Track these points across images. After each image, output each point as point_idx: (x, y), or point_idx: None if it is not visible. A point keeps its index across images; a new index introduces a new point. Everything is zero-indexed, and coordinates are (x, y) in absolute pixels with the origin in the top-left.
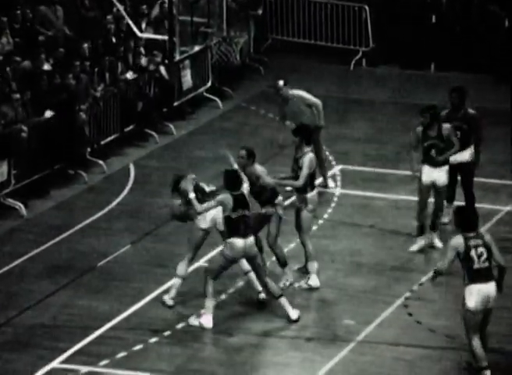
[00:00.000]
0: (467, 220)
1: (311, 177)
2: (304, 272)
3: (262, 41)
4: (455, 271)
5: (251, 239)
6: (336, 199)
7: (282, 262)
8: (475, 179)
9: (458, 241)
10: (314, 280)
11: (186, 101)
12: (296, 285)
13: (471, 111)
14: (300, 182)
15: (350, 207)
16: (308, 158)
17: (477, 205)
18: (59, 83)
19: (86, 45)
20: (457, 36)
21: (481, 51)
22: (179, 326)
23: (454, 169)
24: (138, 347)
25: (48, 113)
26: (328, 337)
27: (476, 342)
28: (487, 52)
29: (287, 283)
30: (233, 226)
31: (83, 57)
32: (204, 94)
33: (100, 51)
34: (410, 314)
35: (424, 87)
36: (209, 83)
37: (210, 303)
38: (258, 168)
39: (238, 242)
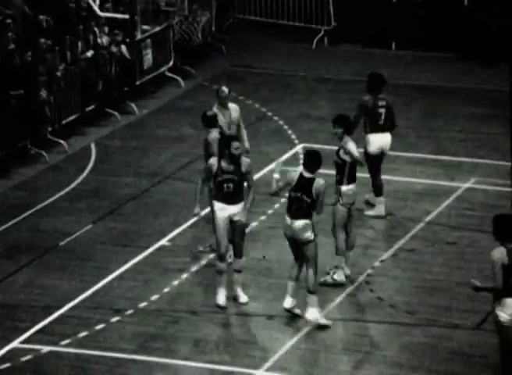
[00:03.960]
0: (508, 230)
1: (351, 169)
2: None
3: (224, 20)
4: (415, 248)
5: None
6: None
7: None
8: (434, 156)
9: (501, 253)
10: (340, 275)
11: (148, 81)
12: (322, 279)
13: (385, 98)
14: (364, 164)
15: None
16: (352, 144)
17: (437, 182)
18: (20, 61)
19: (43, 17)
20: (418, 14)
21: (441, 30)
22: (142, 305)
23: (378, 158)
24: (100, 326)
25: None
26: (291, 315)
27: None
28: (447, 31)
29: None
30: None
31: (44, 34)
32: (166, 73)
33: (60, 30)
34: (371, 290)
35: (386, 66)
36: (171, 63)
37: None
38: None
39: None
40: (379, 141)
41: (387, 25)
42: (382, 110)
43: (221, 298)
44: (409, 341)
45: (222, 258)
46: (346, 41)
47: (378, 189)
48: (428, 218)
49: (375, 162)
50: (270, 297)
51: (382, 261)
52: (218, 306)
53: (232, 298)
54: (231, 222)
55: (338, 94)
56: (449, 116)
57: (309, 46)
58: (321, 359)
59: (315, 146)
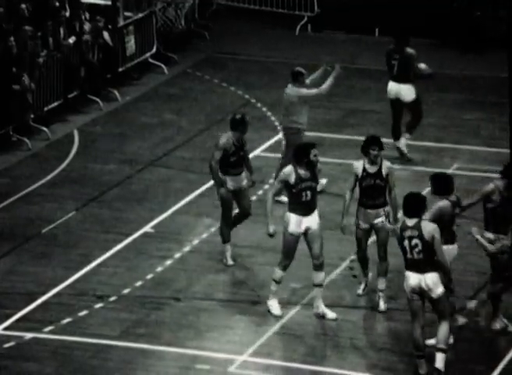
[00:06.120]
0: (405, 206)
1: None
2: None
3: (207, 7)
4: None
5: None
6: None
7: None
8: (417, 142)
9: (398, 225)
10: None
11: (131, 67)
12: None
13: (409, 50)
14: (394, 194)
15: None
16: (391, 165)
17: (420, 168)
18: (3, 48)
19: (24, 6)
20: (401, 0)
21: (424, 16)
22: (125, 291)
23: (393, 104)
24: (83, 312)
25: None
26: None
27: (414, 330)
28: (430, 17)
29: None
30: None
31: (26, 20)
32: (149, 59)
33: (43, 17)
34: (354, 276)
35: (369, 52)
36: (154, 49)
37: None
38: None
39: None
40: (392, 88)
41: (370, 11)
42: (395, 62)
43: (277, 308)
44: (391, 326)
45: (285, 268)
46: (330, 27)
47: (396, 134)
48: None
49: (392, 107)
50: (253, 282)
51: None
52: (276, 316)
53: (320, 316)
54: (305, 234)
55: (320, 81)
56: (431, 102)
57: (292, 33)
58: (304, 344)
59: None
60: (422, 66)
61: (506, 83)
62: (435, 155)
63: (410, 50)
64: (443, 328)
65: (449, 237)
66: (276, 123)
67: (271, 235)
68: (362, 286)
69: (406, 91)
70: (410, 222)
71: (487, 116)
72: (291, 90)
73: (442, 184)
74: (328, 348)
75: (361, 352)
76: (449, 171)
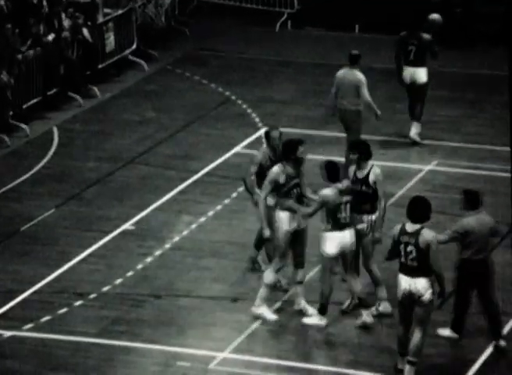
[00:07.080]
0: (410, 210)
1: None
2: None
3: (188, 3)
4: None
5: None
6: None
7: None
8: (397, 139)
9: (396, 229)
10: (385, 307)
11: (110, 64)
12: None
13: (425, 36)
14: (382, 204)
15: None
16: (379, 173)
17: (399, 164)
18: None
19: (3, 2)
20: None
21: (405, 13)
22: (105, 289)
23: (408, 88)
24: (63, 310)
25: None
26: (255, 298)
27: (399, 330)
28: (410, 14)
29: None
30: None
31: (5, 17)
32: (129, 56)
33: (22, 13)
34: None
35: (349, 49)
36: (134, 46)
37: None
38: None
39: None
40: (409, 72)
41: (350, 8)
42: (412, 47)
43: (270, 313)
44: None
45: (279, 270)
46: (310, 24)
47: (413, 114)
48: (392, 200)
49: (407, 91)
50: (233, 279)
51: None
52: (271, 320)
53: (298, 312)
54: (293, 231)
55: (301, 78)
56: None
57: (272, 29)
58: (285, 341)
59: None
60: (435, 15)
61: (485, 79)
62: (415, 151)
63: (426, 35)
64: (416, 338)
65: (335, 224)
66: (256, 120)
67: (267, 239)
68: (347, 302)
69: (420, 74)
70: (411, 228)
71: (467, 113)
72: (348, 73)
73: (331, 172)
74: (309, 344)
75: (341, 348)
76: (428, 167)
